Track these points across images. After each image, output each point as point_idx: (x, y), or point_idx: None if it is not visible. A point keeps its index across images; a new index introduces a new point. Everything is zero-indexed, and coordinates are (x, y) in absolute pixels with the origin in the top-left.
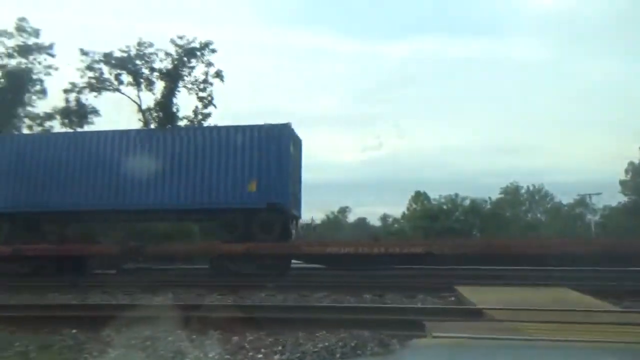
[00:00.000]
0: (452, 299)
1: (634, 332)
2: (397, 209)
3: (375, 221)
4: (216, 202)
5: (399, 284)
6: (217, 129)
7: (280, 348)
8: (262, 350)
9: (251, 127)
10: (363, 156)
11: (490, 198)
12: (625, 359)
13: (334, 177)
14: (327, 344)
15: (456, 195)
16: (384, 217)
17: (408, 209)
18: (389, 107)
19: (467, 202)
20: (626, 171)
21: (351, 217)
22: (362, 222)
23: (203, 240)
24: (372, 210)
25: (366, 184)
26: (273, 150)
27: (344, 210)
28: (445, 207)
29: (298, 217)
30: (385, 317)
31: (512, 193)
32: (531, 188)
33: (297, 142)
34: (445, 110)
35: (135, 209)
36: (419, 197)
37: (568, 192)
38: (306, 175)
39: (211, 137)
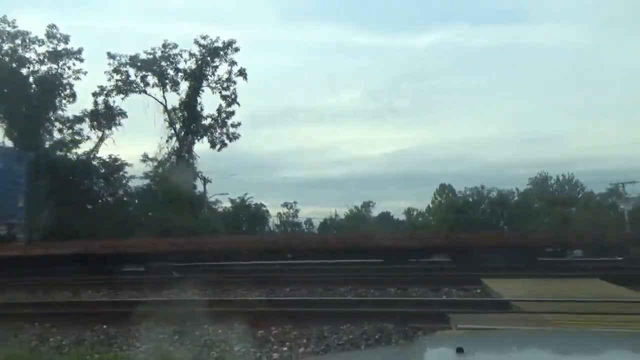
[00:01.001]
0: (478, 291)
1: None
2: (422, 202)
3: (400, 215)
4: None
5: (423, 278)
6: None
7: (304, 341)
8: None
9: None
10: (387, 149)
11: (517, 189)
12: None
13: (358, 171)
14: (351, 336)
15: (482, 187)
16: (409, 211)
17: (433, 202)
18: (413, 100)
19: (494, 194)
20: None
21: (375, 212)
22: (386, 216)
23: None
24: (396, 204)
25: (391, 178)
26: None
27: (367, 205)
28: (470, 199)
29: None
30: (410, 310)
31: (540, 184)
32: (561, 178)
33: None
34: (471, 101)
35: None
36: (444, 190)
37: (601, 182)
38: (330, 171)
39: None
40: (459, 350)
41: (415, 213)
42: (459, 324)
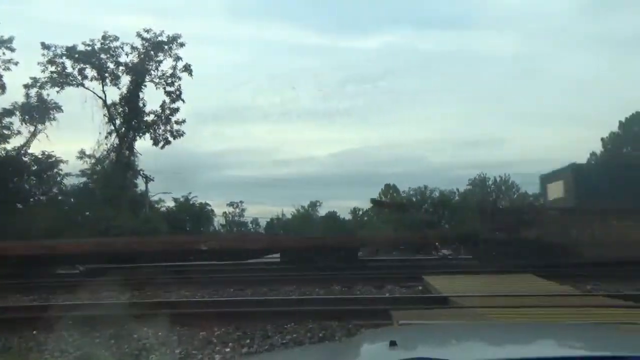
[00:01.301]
0: (420, 288)
1: (594, 314)
2: (368, 202)
3: (346, 214)
4: None
5: (367, 276)
6: None
7: (248, 341)
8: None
9: None
10: (334, 150)
11: (458, 189)
12: (581, 332)
13: (306, 171)
14: (295, 335)
15: (425, 187)
16: (355, 211)
17: None
18: (360, 101)
19: (436, 194)
20: (588, 161)
21: (322, 211)
22: (332, 215)
23: None
24: (343, 204)
25: (338, 178)
26: None
27: (314, 204)
28: (414, 199)
29: None
30: (354, 308)
31: (479, 185)
32: (498, 179)
33: None
34: (415, 103)
35: None
36: (389, 189)
37: (534, 183)
38: (277, 171)
39: None
40: (392, 344)
41: (361, 212)
42: (401, 319)
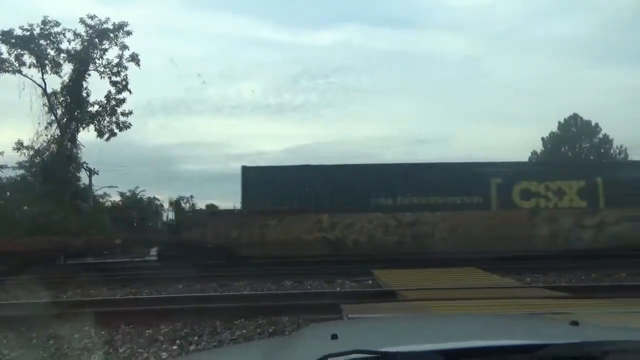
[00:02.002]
0: (370, 282)
1: (532, 305)
2: None
3: None
4: None
5: (318, 271)
6: None
7: (196, 338)
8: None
9: None
10: (288, 145)
11: None
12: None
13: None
14: (244, 331)
15: None
16: None
17: None
18: (313, 96)
19: None
20: (530, 160)
21: None
22: None
23: None
24: None
25: None
26: None
27: None
28: None
29: None
30: (304, 303)
31: None
32: None
33: None
34: (368, 100)
35: None
36: None
37: None
38: (229, 165)
39: None
40: (334, 337)
41: None
42: (350, 313)
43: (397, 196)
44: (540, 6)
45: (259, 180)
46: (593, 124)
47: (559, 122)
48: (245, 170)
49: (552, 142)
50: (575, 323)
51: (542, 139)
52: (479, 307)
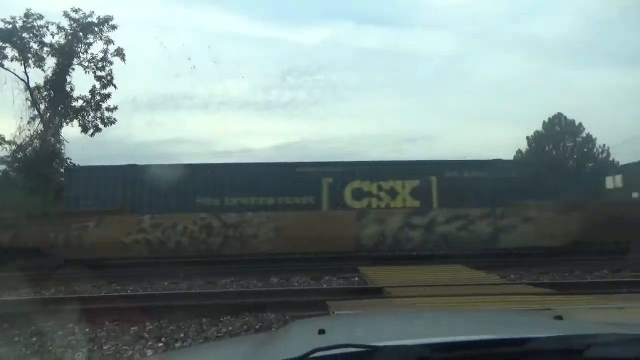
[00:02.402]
0: (356, 279)
1: (516, 301)
2: None
3: None
4: None
5: (305, 268)
6: None
7: (182, 335)
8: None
9: None
10: (275, 142)
11: None
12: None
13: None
14: (230, 328)
15: None
16: None
17: None
18: (300, 94)
19: None
20: (514, 158)
21: None
22: None
23: None
24: None
25: None
26: None
27: None
28: None
29: None
30: (291, 299)
31: None
32: None
33: None
34: (355, 98)
35: None
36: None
37: None
38: (216, 162)
39: None
40: (321, 332)
41: None
42: (336, 310)
43: (224, 197)
44: (525, 5)
45: (82, 181)
46: (577, 123)
47: (544, 122)
48: (68, 170)
49: (536, 141)
50: (559, 317)
51: (527, 137)
52: (464, 304)
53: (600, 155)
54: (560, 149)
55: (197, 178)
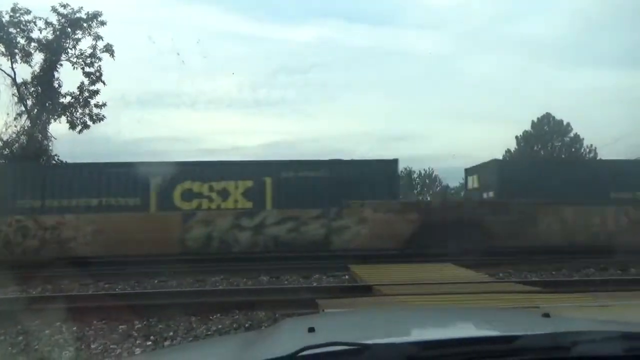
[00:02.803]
0: (346, 277)
1: (504, 299)
2: None
3: None
4: None
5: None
6: None
7: (171, 334)
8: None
9: None
10: (264, 141)
11: None
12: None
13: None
14: (220, 326)
15: None
16: None
17: None
18: (290, 92)
19: None
20: (504, 157)
21: None
22: None
23: None
24: None
25: None
26: None
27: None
28: None
29: None
30: (281, 298)
31: (405, 178)
32: (422, 173)
33: None
34: (345, 96)
35: None
36: None
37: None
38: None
39: None
40: (311, 330)
41: None
42: (326, 308)
43: (45, 198)
44: (515, 6)
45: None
46: (565, 123)
47: (532, 121)
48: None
49: (525, 140)
50: (547, 315)
51: (516, 137)
52: (451, 301)
53: (588, 155)
54: (548, 148)
55: (17, 179)
